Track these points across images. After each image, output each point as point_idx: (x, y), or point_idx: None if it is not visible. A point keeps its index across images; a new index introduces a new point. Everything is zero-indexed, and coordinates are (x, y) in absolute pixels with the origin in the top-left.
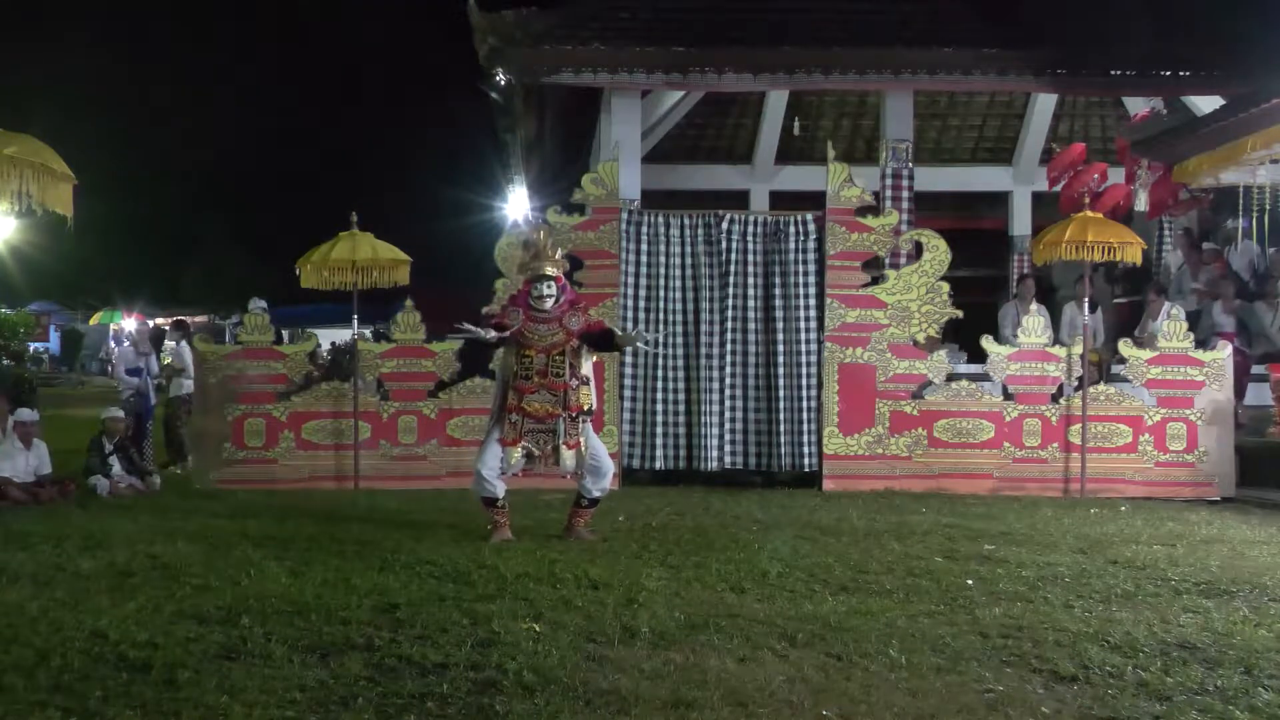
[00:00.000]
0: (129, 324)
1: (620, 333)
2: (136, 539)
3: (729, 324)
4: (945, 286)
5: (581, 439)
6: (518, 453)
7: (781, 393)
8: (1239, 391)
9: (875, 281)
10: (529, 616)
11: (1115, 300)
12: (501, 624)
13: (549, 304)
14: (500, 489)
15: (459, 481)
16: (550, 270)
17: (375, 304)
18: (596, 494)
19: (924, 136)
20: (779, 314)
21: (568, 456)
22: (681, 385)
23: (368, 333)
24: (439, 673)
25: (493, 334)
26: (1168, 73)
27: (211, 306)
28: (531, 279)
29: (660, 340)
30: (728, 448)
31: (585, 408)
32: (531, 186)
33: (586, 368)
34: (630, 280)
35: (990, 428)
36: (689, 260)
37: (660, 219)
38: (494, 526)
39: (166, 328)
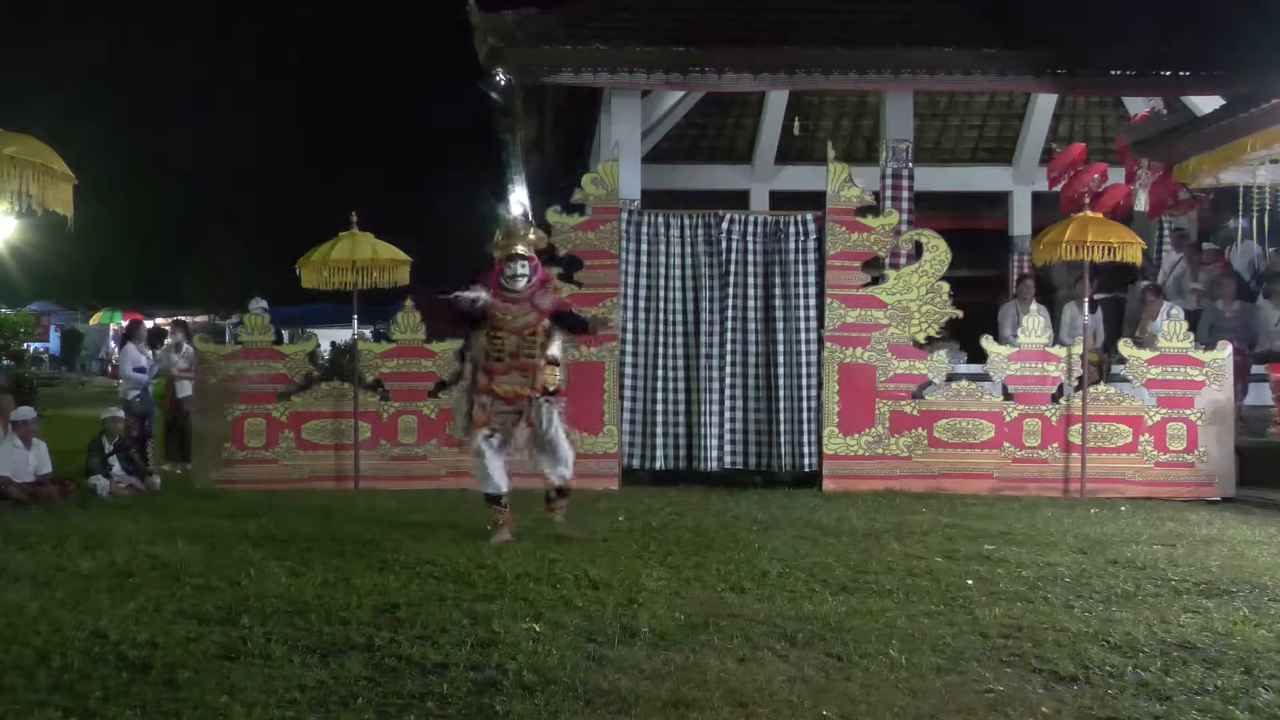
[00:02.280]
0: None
1: (589, 316)
2: (136, 539)
3: (729, 324)
4: (945, 286)
5: (545, 420)
6: (484, 433)
7: (781, 393)
8: (1241, 390)
9: (875, 281)
10: (529, 616)
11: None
12: (501, 624)
13: (521, 284)
14: (503, 485)
15: (459, 481)
16: (522, 250)
17: (375, 304)
18: (556, 480)
19: (924, 136)
20: (779, 314)
21: (521, 435)
22: (681, 385)
23: (368, 333)
24: (439, 673)
25: (481, 297)
26: (1168, 73)
27: (211, 306)
28: (504, 258)
29: (613, 323)
30: (728, 448)
31: (551, 388)
32: (531, 186)
33: (555, 349)
34: (630, 280)
35: (990, 428)
36: (689, 260)
37: (660, 219)
38: (494, 526)
39: (167, 327)
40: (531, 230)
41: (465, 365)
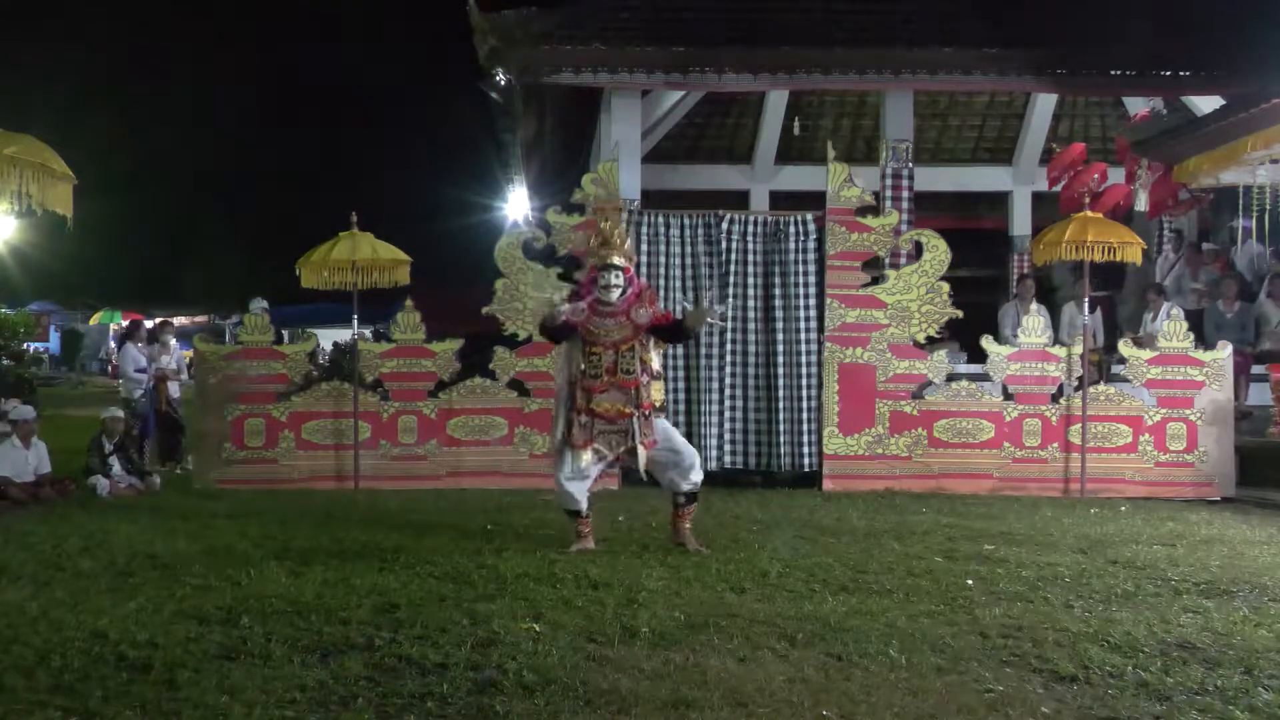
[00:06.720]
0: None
1: (688, 312)
2: (136, 539)
3: (729, 324)
4: (945, 286)
5: (657, 437)
6: (587, 455)
7: (781, 393)
8: (1239, 389)
9: (875, 281)
10: (529, 616)
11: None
12: (501, 624)
13: (615, 295)
14: (583, 501)
15: (459, 481)
16: (618, 260)
17: (375, 304)
18: (687, 488)
19: (924, 136)
20: (779, 314)
21: (644, 456)
22: (681, 385)
23: (368, 333)
24: (439, 673)
25: (563, 310)
26: (1168, 73)
27: (211, 306)
28: (599, 267)
29: (726, 313)
30: (728, 448)
31: (657, 404)
32: (531, 186)
33: (657, 361)
34: None
35: (990, 428)
36: (689, 260)
37: (660, 219)
38: (577, 537)
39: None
40: (628, 241)
41: (562, 378)
